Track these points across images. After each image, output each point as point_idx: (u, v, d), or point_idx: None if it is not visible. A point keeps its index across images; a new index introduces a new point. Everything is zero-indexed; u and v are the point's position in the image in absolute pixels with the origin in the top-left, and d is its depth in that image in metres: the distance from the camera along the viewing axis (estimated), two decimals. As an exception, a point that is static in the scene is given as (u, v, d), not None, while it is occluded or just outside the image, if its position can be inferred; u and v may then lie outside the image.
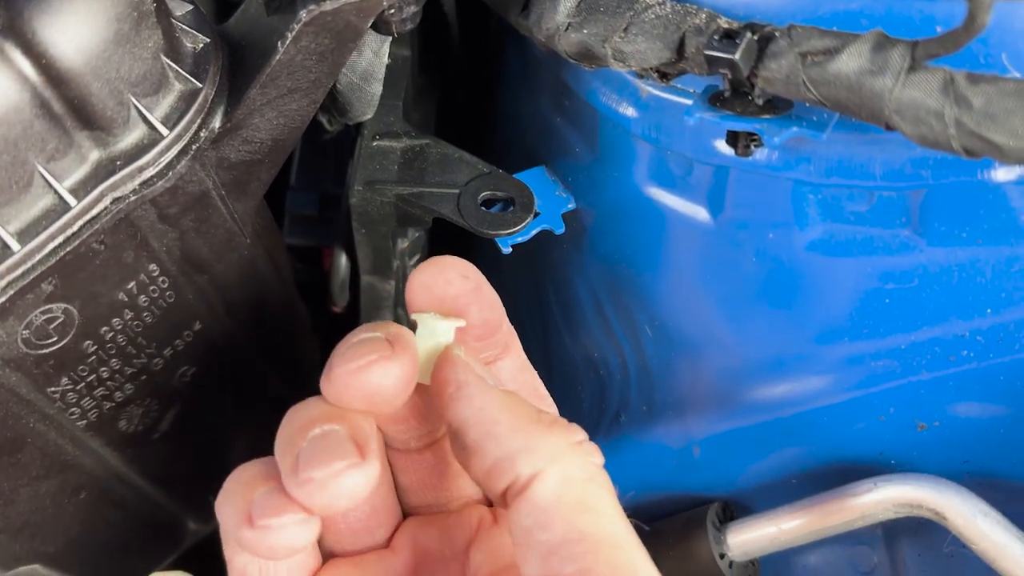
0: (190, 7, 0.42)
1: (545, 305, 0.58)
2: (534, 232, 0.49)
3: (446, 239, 0.60)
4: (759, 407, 0.46)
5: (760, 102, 0.36)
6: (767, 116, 0.36)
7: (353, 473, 0.36)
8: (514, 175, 0.51)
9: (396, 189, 0.50)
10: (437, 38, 0.58)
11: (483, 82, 0.60)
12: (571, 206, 0.50)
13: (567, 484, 0.35)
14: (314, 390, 0.54)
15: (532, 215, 0.49)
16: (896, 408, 0.45)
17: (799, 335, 0.44)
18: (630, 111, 0.43)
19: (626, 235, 0.48)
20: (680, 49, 0.36)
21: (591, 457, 0.37)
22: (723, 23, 0.35)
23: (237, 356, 0.54)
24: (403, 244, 0.58)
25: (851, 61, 0.32)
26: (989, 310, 0.41)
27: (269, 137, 0.43)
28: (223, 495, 0.40)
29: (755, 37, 0.34)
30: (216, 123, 0.41)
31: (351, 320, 0.61)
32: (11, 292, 0.38)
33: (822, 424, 0.46)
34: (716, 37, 0.34)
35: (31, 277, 0.38)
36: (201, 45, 0.41)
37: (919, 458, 0.45)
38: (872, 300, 0.42)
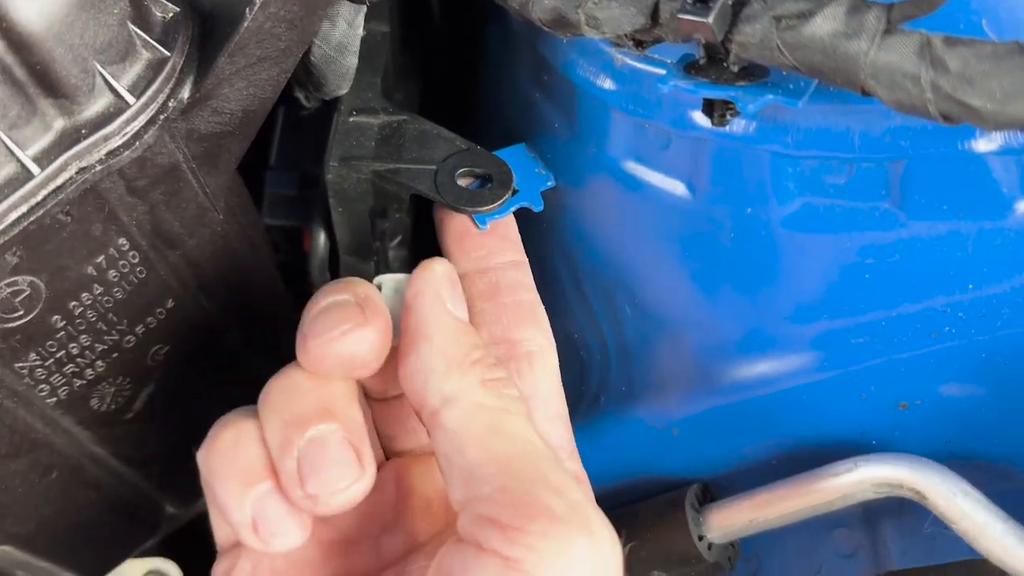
0: (158, -25, 0.42)
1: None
2: (512, 209, 0.48)
3: (428, 221, 0.60)
4: (738, 386, 0.46)
5: (735, 69, 0.35)
6: (742, 83, 0.35)
7: (355, 486, 0.38)
8: (494, 152, 0.50)
9: (372, 165, 0.49)
10: (417, 14, 0.57)
11: (464, 58, 0.59)
12: (551, 183, 0.49)
13: (478, 410, 0.37)
14: None
15: (510, 192, 0.48)
16: (877, 387, 0.44)
17: (778, 312, 0.44)
18: (607, 83, 0.43)
19: (605, 212, 0.47)
20: (655, 14, 0.35)
21: (504, 389, 0.38)
22: (698, -12, 0.35)
23: (213, 335, 0.53)
24: (383, 225, 0.57)
25: (825, 24, 0.32)
26: (971, 285, 0.40)
27: (239, 108, 0.43)
28: (215, 461, 0.42)
29: (729, 1, 0.33)
30: (185, 93, 0.40)
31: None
32: (-27, 262, 0.37)
33: (802, 403, 0.45)
34: (690, 1, 0.34)
35: (-4, 248, 0.37)
36: (171, 15, 0.40)
37: (900, 438, 0.45)
38: (851, 275, 0.41)
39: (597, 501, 0.44)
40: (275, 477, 0.39)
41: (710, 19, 0.33)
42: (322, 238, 0.57)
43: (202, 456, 0.42)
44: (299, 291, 0.62)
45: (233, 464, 0.41)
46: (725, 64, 0.35)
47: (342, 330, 0.39)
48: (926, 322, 0.42)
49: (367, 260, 0.58)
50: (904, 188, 0.39)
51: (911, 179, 0.39)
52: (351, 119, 0.51)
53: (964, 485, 0.42)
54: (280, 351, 0.60)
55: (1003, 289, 0.40)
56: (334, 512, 0.39)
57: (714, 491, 0.50)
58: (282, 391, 0.42)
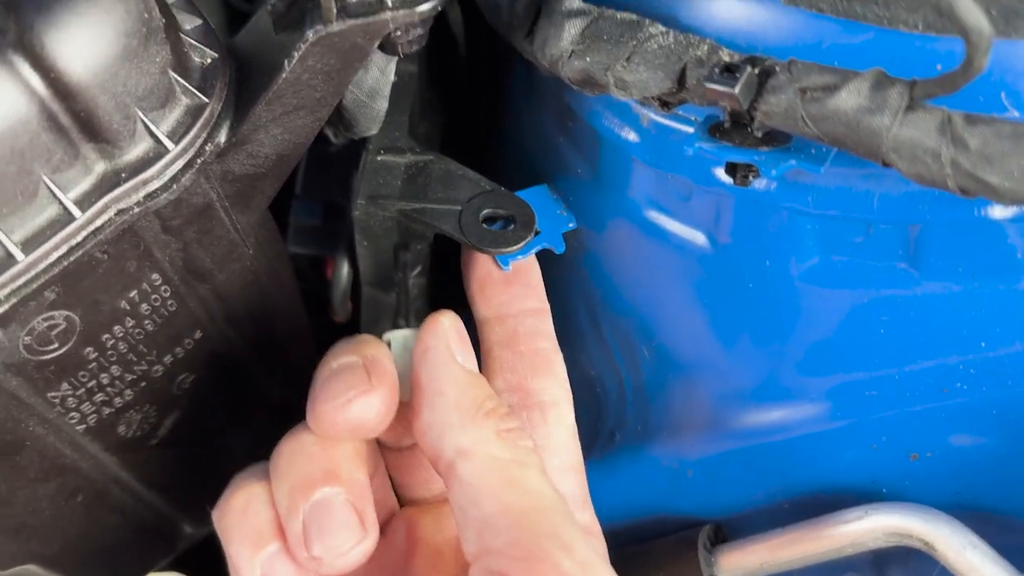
0: (199, 21, 0.43)
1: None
2: (534, 250, 0.49)
3: (448, 253, 0.61)
4: (753, 431, 0.47)
5: (759, 134, 0.36)
6: (765, 148, 0.36)
7: (358, 549, 0.40)
8: (516, 193, 0.51)
9: (399, 204, 0.50)
10: (444, 54, 0.58)
11: (489, 98, 0.60)
12: (572, 225, 0.50)
13: (493, 463, 0.38)
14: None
15: (532, 233, 0.49)
16: (888, 437, 0.45)
17: (793, 362, 0.44)
18: (631, 135, 0.44)
19: (625, 256, 0.48)
20: (681, 79, 0.36)
21: (520, 440, 0.39)
22: (724, 56, 0.36)
23: (237, 364, 0.54)
24: (405, 257, 0.58)
25: (850, 98, 0.33)
26: (983, 343, 0.41)
27: (274, 152, 0.44)
28: (228, 523, 0.44)
29: (755, 71, 0.34)
30: (222, 137, 0.41)
31: (352, 330, 0.61)
32: (14, 300, 0.38)
33: (815, 451, 0.46)
34: (717, 70, 0.35)
35: (34, 286, 0.38)
36: (209, 60, 0.41)
37: (911, 488, 0.46)
38: (867, 331, 0.42)
39: (610, 538, 0.45)
40: (283, 538, 0.41)
41: (736, 90, 0.34)
42: (345, 269, 0.58)
43: (216, 517, 0.44)
44: (321, 318, 0.63)
45: (244, 526, 0.42)
46: (749, 129, 0.36)
47: (348, 397, 0.41)
48: (938, 378, 0.43)
49: (388, 291, 0.59)
50: (920, 249, 0.40)
51: (928, 241, 0.40)
52: (379, 158, 0.52)
53: (972, 537, 0.43)
54: (299, 378, 0.61)
55: (1015, 349, 0.41)
56: (339, 573, 0.40)
57: (726, 532, 0.51)
58: (291, 454, 0.43)
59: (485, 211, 0.50)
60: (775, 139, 0.36)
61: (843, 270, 0.41)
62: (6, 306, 0.38)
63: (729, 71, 0.34)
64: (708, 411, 0.48)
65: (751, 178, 0.38)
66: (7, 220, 0.37)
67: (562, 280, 0.54)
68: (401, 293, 0.60)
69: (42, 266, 0.38)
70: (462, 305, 0.51)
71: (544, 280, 0.49)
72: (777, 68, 0.34)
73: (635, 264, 0.48)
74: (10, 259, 0.37)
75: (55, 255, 0.38)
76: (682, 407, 0.49)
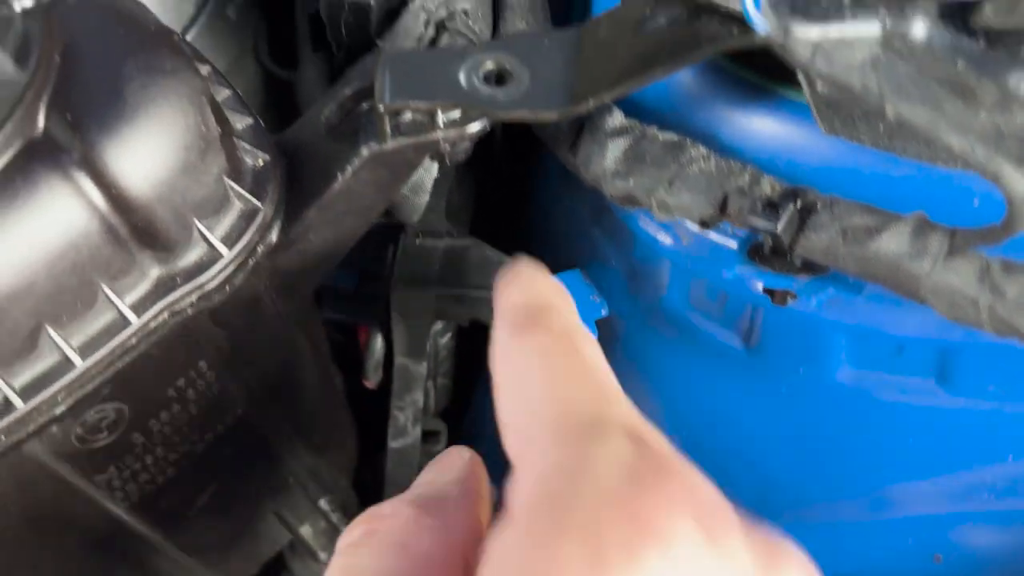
0: (250, 120, 0.44)
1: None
2: (568, 339, 0.50)
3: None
4: (787, 525, 0.48)
5: (798, 263, 0.37)
6: (805, 276, 0.37)
7: None
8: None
9: (436, 290, 0.52)
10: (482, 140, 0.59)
11: (524, 177, 0.61)
12: (604, 313, 0.51)
13: None
14: (342, 458, 0.59)
15: (566, 323, 0.50)
16: (915, 539, 0.46)
17: (824, 465, 0.46)
18: (668, 240, 0.45)
19: (656, 349, 0.49)
20: (723, 207, 0.37)
21: None
22: (767, 186, 0.37)
23: (273, 435, 0.55)
24: (437, 326, 0.60)
25: (891, 243, 0.34)
26: (1010, 457, 0.42)
27: (321, 250, 0.45)
28: None
29: (798, 206, 0.35)
30: (272, 237, 0.43)
31: (383, 395, 0.62)
32: (70, 402, 0.39)
33: (844, 547, 0.47)
34: (759, 204, 0.36)
35: (90, 388, 0.40)
36: (261, 163, 0.42)
37: (935, 587, 0.47)
38: (896, 440, 0.43)
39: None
40: None
41: (779, 228, 0.35)
42: (379, 341, 0.59)
43: None
44: (352, 382, 0.64)
45: None
46: (789, 257, 0.37)
47: None
48: (965, 486, 0.44)
49: (420, 361, 0.60)
50: (951, 369, 0.41)
51: (959, 362, 0.41)
52: (417, 241, 0.53)
53: (994, 641, 0.44)
54: (330, 443, 0.62)
55: (1040, 464, 0.42)
56: None
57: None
58: None
59: (521, 299, 0.51)
60: (814, 268, 0.37)
61: (875, 383, 0.42)
62: (63, 407, 0.39)
63: (772, 206, 0.35)
64: (738, 505, 0.49)
65: (789, 301, 0.39)
66: (66, 327, 0.38)
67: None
68: (431, 360, 0.61)
69: (99, 368, 0.39)
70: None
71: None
72: (819, 205, 0.35)
73: (666, 358, 0.49)
74: (68, 364, 0.39)
75: (111, 358, 0.40)
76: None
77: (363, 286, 0.65)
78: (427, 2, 0.46)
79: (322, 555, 0.69)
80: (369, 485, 0.69)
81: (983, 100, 0.34)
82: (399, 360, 0.60)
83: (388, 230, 0.59)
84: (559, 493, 0.28)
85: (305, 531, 0.66)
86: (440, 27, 0.47)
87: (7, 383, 0.38)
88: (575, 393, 0.31)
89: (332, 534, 0.68)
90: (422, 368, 0.60)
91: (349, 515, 0.68)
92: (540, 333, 0.33)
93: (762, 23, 0.32)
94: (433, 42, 0.47)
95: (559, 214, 0.55)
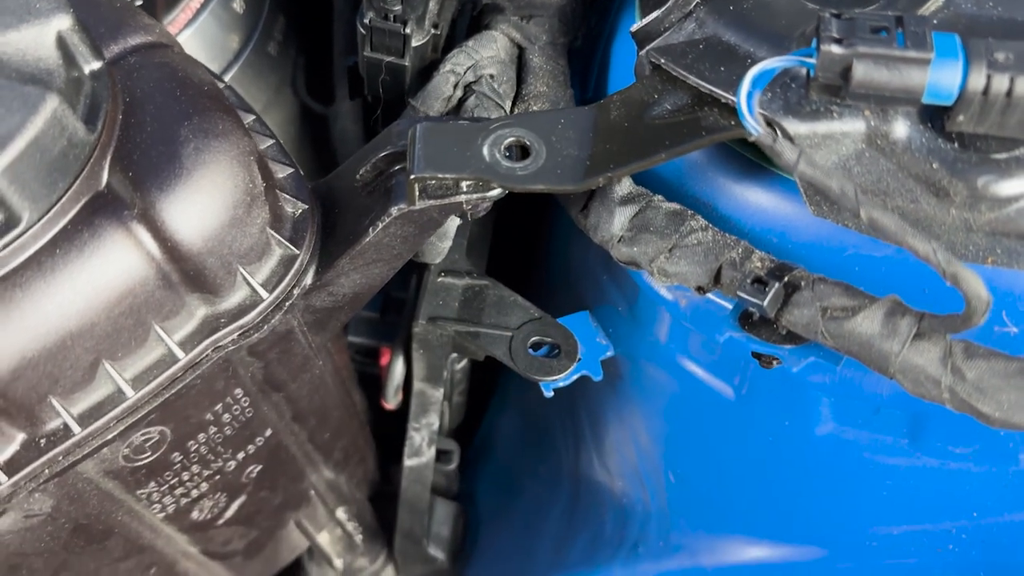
0: (291, 170, 0.48)
1: (578, 421, 0.63)
2: (575, 377, 0.54)
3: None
4: (763, 565, 0.51)
5: (784, 332, 0.41)
6: (789, 345, 0.41)
7: None
8: (560, 318, 0.56)
9: (455, 327, 0.56)
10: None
11: (540, 223, 0.65)
12: (610, 353, 0.55)
13: None
14: (360, 472, 0.62)
15: (575, 363, 0.54)
16: (886, 583, 0.50)
17: (802, 510, 0.49)
18: (668, 295, 0.48)
19: (655, 391, 0.53)
20: (717, 277, 0.41)
21: None
22: (756, 262, 0.40)
23: (299, 452, 0.60)
24: (454, 355, 0.64)
25: (865, 323, 0.37)
26: (975, 513, 0.46)
27: (352, 292, 0.49)
28: None
29: (783, 282, 0.39)
30: (308, 280, 0.47)
31: (401, 416, 0.66)
32: (121, 428, 0.44)
33: (818, 585, 0.51)
34: (748, 280, 0.39)
35: (139, 416, 0.44)
36: (300, 211, 0.46)
37: (905, 627, 0.50)
38: (870, 491, 0.47)
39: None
40: None
41: (765, 303, 0.39)
42: (399, 367, 0.63)
43: None
44: (373, 403, 0.68)
45: None
46: (775, 326, 0.41)
47: None
48: (933, 538, 0.47)
49: (437, 386, 0.64)
50: (922, 431, 0.45)
51: (928, 425, 0.44)
52: (439, 279, 0.57)
53: None
54: (351, 460, 0.66)
55: (1003, 520, 0.46)
56: None
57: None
58: None
59: (533, 338, 0.55)
60: (797, 338, 0.41)
61: (853, 439, 0.46)
62: (114, 433, 0.44)
63: (760, 282, 0.39)
64: (723, 540, 0.53)
65: (775, 364, 0.42)
66: (121, 362, 0.42)
67: (599, 394, 0.59)
68: (448, 386, 0.65)
69: (147, 399, 0.44)
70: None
71: (580, 390, 0.54)
72: (803, 283, 0.39)
73: (664, 399, 0.53)
74: (121, 395, 0.43)
75: (159, 390, 0.44)
76: (700, 533, 0.54)
77: (386, 313, 0.69)
78: (456, 66, 0.50)
79: (337, 561, 0.73)
80: (384, 497, 0.74)
81: (954, 198, 0.38)
82: (417, 385, 0.64)
83: (410, 262, 0.63)
84: None
85: (323, 538, 0.70)
86: (467, 89, 0.51)
87: (67, 411, 0.42)
88: None
89: (347, 542, 0.72)
90: (439, 393, 0.64)
91: (364, 525, 0.73)
92: None
93: (753, 127, 0.36)
94: (460, 102, 0.51)
95: (571, 260, 0.59)
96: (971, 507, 0.46)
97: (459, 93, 0.51)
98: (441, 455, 0.69)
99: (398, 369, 0.64)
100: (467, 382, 0.71)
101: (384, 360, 0.69)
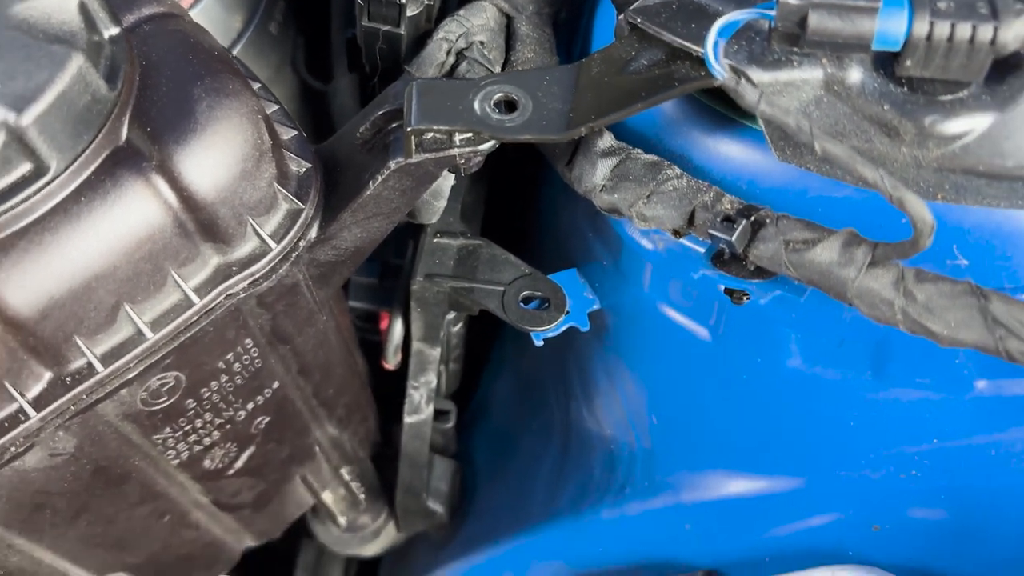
0: (295, 132, 0.51)
1: (568, 377, 0.67)
2: (563, 328, 0.57)
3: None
4: (741, 497, 0.55)
5: (752, 268, 0.44)
6: (757, 279, 0.44)
7: None
8: (550, 275, 0.59)
9: (451, 283, 0.59)
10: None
11: (529, 185, 0.69)
12: (596, 306, 0.59)
13: None
14: (362, 431, 0.65)
15: (564, 314, 0.57)
16: (854, 510, 0.53)
17: (777, 443, 0.53)
18: (648, 244, 0.52)
19: (639, 338, 0.56)
20: (691, 219, 0.45)
21: None
22: (726, 204, 0.44)
23: (304, 407, 0.63)
24: (450, 315, 0.67)
25: (824, 253, 0.41)
26: (935, 440, 0.49)
27: (353, 245, 0.52)
28: None
29: (750, 220, 0.43)
30: (312, 234, 0.50)
31: (401, 376, 0.70)
32: (141, 368, 0.47)
33: (792, 515, 0.54)
34: (719, 219, 0.43)
35: (157, 357, 0.47)
36: (304, 169, 0.50)
37: (874, 553, 0.54)
38: (838, 422, 0.50)
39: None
40: None
41: (733, 238, 0.42)
42: (398, 327, 0.66)
43: None
44: (373, 366, 0.72)
45: None
46: (744, 263, 0.44)
47: None
48: (897, 464, 0.51)
49: (434, 345, 0.67)
50: (884, 361, 0.48)
51: (890, 356, 0.48)
52: (435, 240, 0.60)
53: (920, 598, 0.51)
54: (353, 417, 0.70)
55: (961, 444, 0.49)
56: None
57: (717, 578, 0.60)
58: None
59: (524, 293, 0.58)
60: (765, 272, 0.44)
61: (820, 373, 0.49)
62: (135, 373, 0.47)
63: (728, 220, 0.43)
64: (704, 476, 0.56)
65: (745, 300, 0.46)
66: (140, 305, 0.46)
67: (587, 347, 0.62)
68: (445, 346, 0.69)
69: (165, 341, 0.47)
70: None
71: (570, 346, 0.57)
72: (768, 220, 0.43)
73: (647, 345, 0.56)
74: (141, 336, 0.46)
75: (176, 332, 0.47)
76: (683, 471, 0.57)
77: (384, 279, 0.72)
78: (449, 34, 0.54)
79: (341, 519, 0.77)
80: (385, 458, 0.77)
81: (904, 137, 0.42)
82: (416, 345, 0.67)
83: (408, 227, 0.66)
84: None
85: (327, 496, 0.74)
86: (459, 55, 0.54)
87: (91, 350, 0.45)
88: None
89: (351, 499, 0.76)
90: (436, 352, 0.67)
91: (367, 484, 0.76)
92: None
93: (719, 71, 0.39)
94: (453, 68, 0.55)
95: (558, 218, 0.62)
96: (932, 433, 0.49)
97: (451, 59, 0.54)
98: (439, 414, 0.73)
99: (397, 329, 0.67)
100: (462, 348, 0.75)
101: (383, 325, 0.72)
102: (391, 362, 0.69)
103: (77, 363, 0.45)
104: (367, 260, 0.73)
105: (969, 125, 0.41)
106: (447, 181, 0.55)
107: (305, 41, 0.75)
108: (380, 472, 0.77)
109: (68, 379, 0.45)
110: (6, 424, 0.44)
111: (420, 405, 0.68)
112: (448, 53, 0.54)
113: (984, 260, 0.44)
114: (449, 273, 0.60)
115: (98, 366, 0.45)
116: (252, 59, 0.70)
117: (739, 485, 0.55)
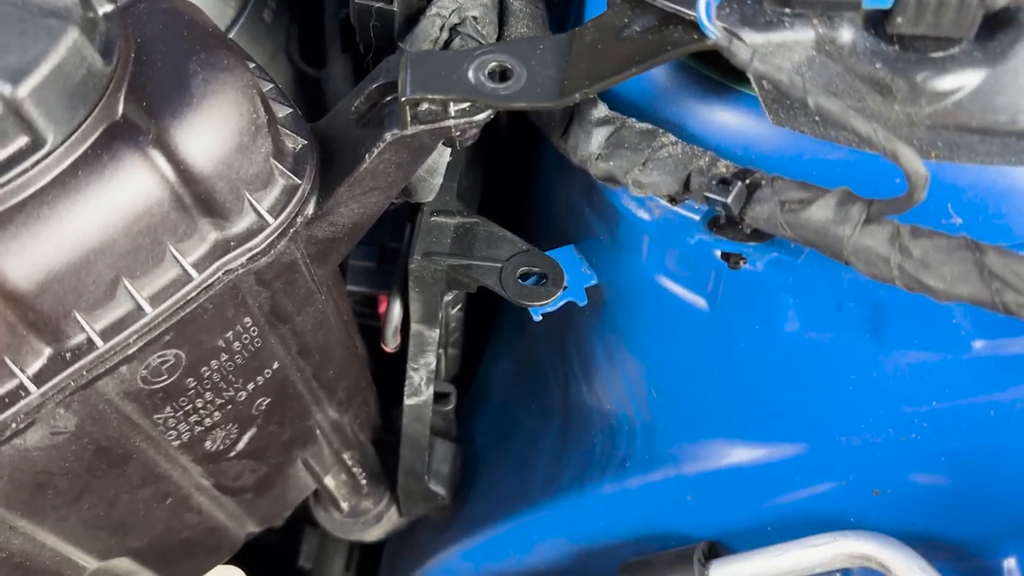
0: (290, 110, 0.51)
1: (567, 356, 0.67)
2: (561, 303, 0.58)
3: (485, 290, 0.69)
4: (742, 466, 0.55)
5: (748, 231, 0.44)
6: (753, 242, 0.45)
7: None
8: (547, 251, 0.60)
9: (448, 260, 0.59)
10: (489, 130, 0.67)
11: (526, 163, 0.69)
12: (594, 282, 0.59)
13: None
14: (363, 415, 0.65)
15: (561, 289, 0.58)
16: (855, 476, 0.53)
17: (777, 409, 0.53)
18: (645, 215, 0.52)
19: (637, 311, 0.57)
20: (687, 185, 0.45)
21: None
22: (722, 167, 0.44)
23: (304, 389, 0.63)
24: (448, 297, 0.67)
25: (819, 212, 0.41)
26: (934, 401, 0.50)
27: (351, 221, 0.53)
28: None
29: (746, 183, 0.43)
30: (309, 210, 0.50)
31: (400, 358, 0.70)
32: (141, 344, 0.47)
33: (793, 483, 0.55)
34: (714, 182, 0.43)
35: (157, 333, 0.47)
36: (300, 146, 0.50)
37: (874, 518, 0.54)
38: (837, 387, 0.51)
39: (619, 550, 0.53)
40: None
41: (729, 200, 0.42)
42: (397, 309, 0.67)
43: None
44: (372, 349, 0.72)
45: None
46: (740, 226, 0.44)
47: None
48: (897, 427, 0.51)
49: (433, 327, 0.67)
50: (882, 323, 0.48)
51: (886, 318, 0.48)
52: (432, 218, 0.61)
53: (922, 563, 0.51)
54: (353, 400, 0.70)
55: (959, 405, 0.50)
56: None
57: (719, 549, 0.59)
58: None
59: (522, 269, 0.58)
60: (761, 235, 0.45)
61: (819, 338, 0.50)
62: (134, 348, 0.47)
63: (724, 183, 0.43)
64: (705, 447, 0.56)
65: (742, 264, 0.46)
66: (139, 280, 0.46)
67: (585, 325, 0.62)
68: (443, 327, 0.69)
69: (164, 317, 0.47)
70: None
71: (568, 320, 0.57)
72: (763, 182, 0.43)
73: (645, 318, 0.56)
74: (140, 311, 0.46)
75: (175, 308, 0.47)
76: (683, 442, 0.58)
77: (383, 262, 0.73)
78: (442, 10, 0.54)
79: (343, 504, 0.77)
80: (387, 444, 0.77)
81: (897, 94, 0.42)
82: (415, 326, 0.67)
83: (405, 211, 0.67)
84: None
85: (329, 481, 0.74)
86: (453, 31, 0.54)
87: (90, 325, 0.45)
88: None
89: (353, 484, 0.76)
90: (435, 333, 0.67)
91: (368, 469, 0.76)
92: None
93: (711, 32, 0.39)
94: (447, 44, 0.55)
95: (555, 195, 0.62)
96: (931, 394, 0.50)
97: (445, 35, 0.54)
98: (439, 397, 0.73)
99: (396, 310, 0.67)
100: (461, 333, 0.75)
101: (382, 309, 0.72)
102: (390, 344, 0.69)
103: (77, 338, 0.45)
104: (365, 244, 0.74)
105: (961, 81, 0.42)
106: (443, 157, 0.55)
107: (299, 28, 0.75)
108: (381, 457, 0.77)
109: (68, 355, 0.45)
110: (7, 400, 0.44)
111: (420, 387, 0.68)
112: (441, 29, 0.54)
113: (978, 218, 0.44)
114: (447, 251, 0.60)
115: (98, 341, 0.46)
116: (246, 46, 0.70)
117: (740, 454, 0.55)
